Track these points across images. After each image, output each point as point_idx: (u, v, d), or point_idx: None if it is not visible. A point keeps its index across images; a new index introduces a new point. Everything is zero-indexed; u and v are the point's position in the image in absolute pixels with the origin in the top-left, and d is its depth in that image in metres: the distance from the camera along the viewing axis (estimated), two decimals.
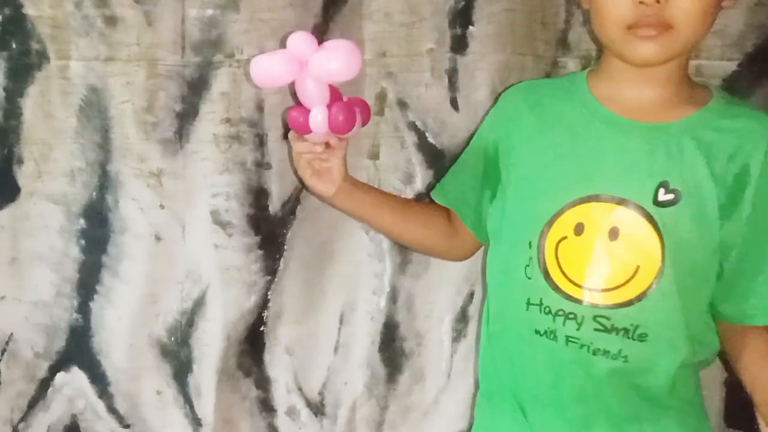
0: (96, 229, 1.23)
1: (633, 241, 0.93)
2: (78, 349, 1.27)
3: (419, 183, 1.26)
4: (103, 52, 1.17)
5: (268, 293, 1.27)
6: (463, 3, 1.21)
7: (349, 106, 0.99)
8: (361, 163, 1.25)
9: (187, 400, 1.29)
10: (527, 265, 0.98)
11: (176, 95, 1.19)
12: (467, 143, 1.17)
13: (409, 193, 1.26)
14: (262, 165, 1.22)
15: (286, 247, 1.26)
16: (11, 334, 1.26)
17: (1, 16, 1.17)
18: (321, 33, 1.20)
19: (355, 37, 1.21)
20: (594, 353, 0.95)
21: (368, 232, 1.28)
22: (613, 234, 0.94)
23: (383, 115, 1.23)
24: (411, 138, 1.25)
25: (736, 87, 1.21)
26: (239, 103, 1.20)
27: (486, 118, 1.15)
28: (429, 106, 1.24)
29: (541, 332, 0.98)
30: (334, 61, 0.94)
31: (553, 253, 0.96)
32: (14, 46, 1.17)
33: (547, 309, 0.97)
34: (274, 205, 1.24)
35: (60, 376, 1.28)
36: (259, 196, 1.23)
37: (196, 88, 1.19)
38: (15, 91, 1.19)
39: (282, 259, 1.27)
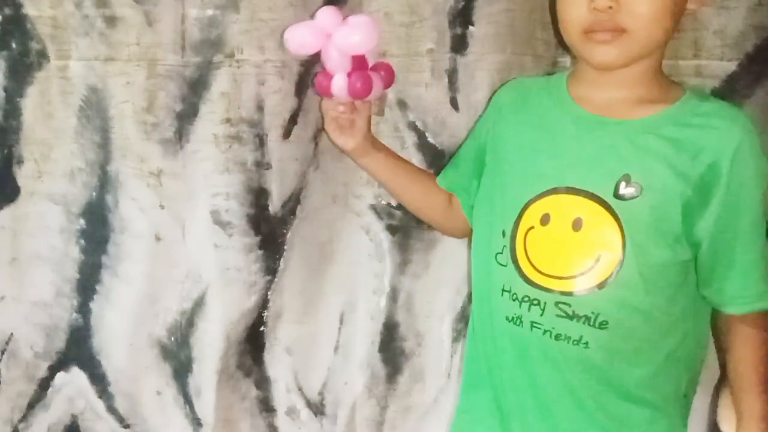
0: (96, 229, 1.23)
1: (595, 232, 0.96)
2: (78, 349, 1.27)
3: None
4: (103, 52, 1.17)
5: (268, 293, 1.27)
6: (463, 3, 1.21)
7: (366, 76, 1.10)
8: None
9: (187, 400, 1.29)
10: (499, 253, 1.02)
11: (176, 95, 1.19)
12: None
13: None
14: (262, 165, 1.22)
15: (286, 247, 1.26)
16: (11, 334, 1.26)
17: (1, 16, 1.16)
18: None
19: None
20: (556, 338, 0.98)
21: (368, 232, 1.28)
22: (577, 224, 0.97)
23: (383, 115, 1.23)
24: (411, 138, 1.25)
25: (736, 87, 1.21)
26: (239, 103, 1.20)
27: (482, 114, 1.19)
28: (429, 106, 1.24)
29: (510, 318, 1.01)
30: (354, 36, 1.07)
31: (522, 242, 1.00)
32: (14, 46, 1.17)
33: (515, 296, 1.00)
34: (274, 205, 1.24)
35: (60, 376, 1.28)
36: (259, 196, 1.23)
37: (196, 88, 1.19)
38: (15, 91, 1.19)
39: (282, 259, 1.27)
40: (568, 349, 0.98)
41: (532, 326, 0.99)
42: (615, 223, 0.95)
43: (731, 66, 1.21)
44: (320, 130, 1.24)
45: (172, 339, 1.27)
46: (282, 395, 1.32)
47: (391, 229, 1.28)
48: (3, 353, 1.26)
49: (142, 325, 1.26)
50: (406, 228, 1.28)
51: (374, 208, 1.28)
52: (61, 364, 1.28)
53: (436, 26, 1.21)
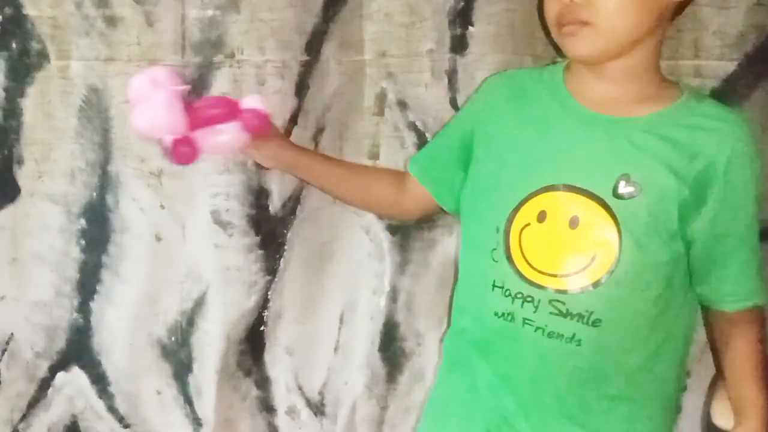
0: (96, 229, 1.23)
1: (591, 231, 0.96)
2: (78, 349, 1.27)
3: None
4: (103, 52, 1.17)
5: (269, 293, 1.27)
6: (463, 3, 1.21)
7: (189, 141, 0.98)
8: (361, 163, 1.25)
9: (187, 400, 1.29)
10: (494, 249, 1.01)
11: None
12: None
13: None
14: (262, 165, 1.22)
15: (286, 247, 1.26)
16: (11, 334, 1.26)
17: (1, 16, 1.17)
18: (321, 33, 1.20)
19: (355, 37, 1.21)
20: (549, 336, 0.98)
21: (368, 232, 1.28)
22: (574, 222, 0.97)
23: (383, 115, 1.23)
24: (411, 138, 1.25)
25: (736, 87, 1.21)
26: None
27: (467, 101, 1.17)
28: (429, 106, 1.24)
29: (500, 314, 1.00)
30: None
31: (517, 239, 0.99)
32: (14, 46, 1.18)
33: (508, 292, 1.00)
34: (274, 205, 1.24)
35: (60, 376, 1.28)
36: (259, 196, 1.23)
37: (196, 88, 1.19)
38: (15, 91, 1.19)
39: (282, 259, 1.27)
40: (560, 346, 0.97)
41: (524, 323, 0.99)
42: (612, 221, 0.95)
43: (731, 66, 1.21)
44: (320, 130, 1.24)
45: (173, 339, 1.27)
46: (282, 395, 1.32)
47: (391, 229, 1.28)
48: (3, 353, 1.26)
49: (143, 325, 1.26)
50: (406, 228, 1.28)
51: None
52: (61, 364, 1.28)
53: (436, 26, 1.21)
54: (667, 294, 0.99)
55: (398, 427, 1.33)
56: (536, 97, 1.05)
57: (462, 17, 1.21)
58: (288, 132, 1.21)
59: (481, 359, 1.04)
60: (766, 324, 1.03)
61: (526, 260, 0.99)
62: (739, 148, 0.95)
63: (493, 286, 1.01)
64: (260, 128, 1.02)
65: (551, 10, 0.97)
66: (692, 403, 1.22)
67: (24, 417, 1.29)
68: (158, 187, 1.22)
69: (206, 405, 1.28)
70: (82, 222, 1.23)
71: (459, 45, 1.22)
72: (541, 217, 0.98)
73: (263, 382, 1.31)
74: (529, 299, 0.98)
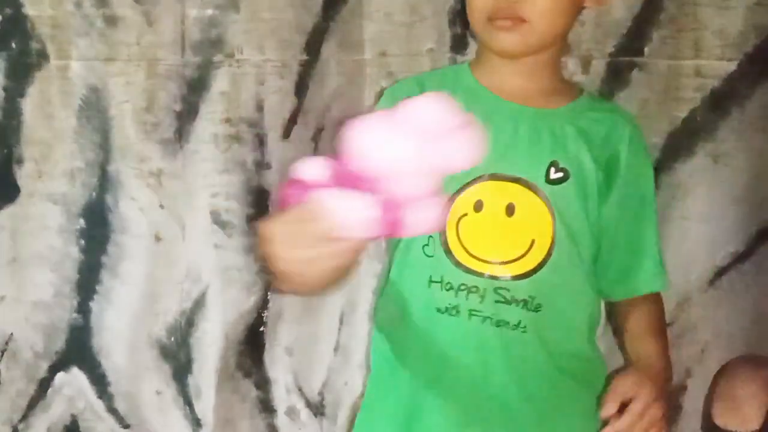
0: (96, 229, 1.23)
1: (528, 217, 0.98)
2: (78, 349, 1.27)
3: None
4: (103, 52, 1.17)
5: (268, 293, 1.27)
6: (463, 3, 1.20)
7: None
8: None
9: (187, 401, 1.29)
10: (425, 245, 1.01)
11: (176, 95, 1.19)
12: None
13: None
14: (262, 165, 1.22)
15: None
16: (11, 334, 1.26)
17: (1, 16, 1.17)
18: (321, 33, 1.20)
19: (355, 37, 1.21)
20: (498, 325, 0.98)
21: None
22: (510, 210, 0.98)
23: None
24: None
25: (736, 87, 1.21)
26: (239, 103, 1.20)
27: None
28: None
29: (443, 310, 0.99)
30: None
31: (454, 231, 0.99)
32: (14, 46, 1.18)
33: (449, 285, 0.99)
34: (274, 205, 1.24)
35: (60, 376, 1.28)
36: (259, 196, 1.23)
37: (195, 88, 1.19)
38: (15, 91, 1.19)
39: None
40: (507, 334, 0.98)
41: (470, 315, 0.98)
42: (546, 207, 0.98)
43: (731, 66, 1.21)
44: (320, 130, 1.24)
45: (172, 339, 1.27)
46: (282, 395, 1.32)
47: None
48: (3, 353, 1.26)
49: (142, 325, 1.26)
50: None
51: None
52: (61, 364, 1.27)
53: (436, 26, 1.21)
54: (592, 278, 1.02)
55: None
56: (452, 96, 1.04)
57: (462, 17, 1.21)
58: (288, 132, 1.21)
59: (421, 363, 1.01)
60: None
61: (467, 250, 0.99)
62: (635, 135, 1.03)
63: (430, 281, 1.00)
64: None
65: (482, 3, 0.98)
66: (692, 403, 1.22)
67: (24, 417, 1.29)
68: (158, 187, 1.22)
69: (206, 405, 1.28)
70: (82, 222, 1.23)
71: (459, 45, 1.22)
72: (478, 206, 0.99)
73: (263, 383, 1.31)
74: (474, 289, 0.98)
